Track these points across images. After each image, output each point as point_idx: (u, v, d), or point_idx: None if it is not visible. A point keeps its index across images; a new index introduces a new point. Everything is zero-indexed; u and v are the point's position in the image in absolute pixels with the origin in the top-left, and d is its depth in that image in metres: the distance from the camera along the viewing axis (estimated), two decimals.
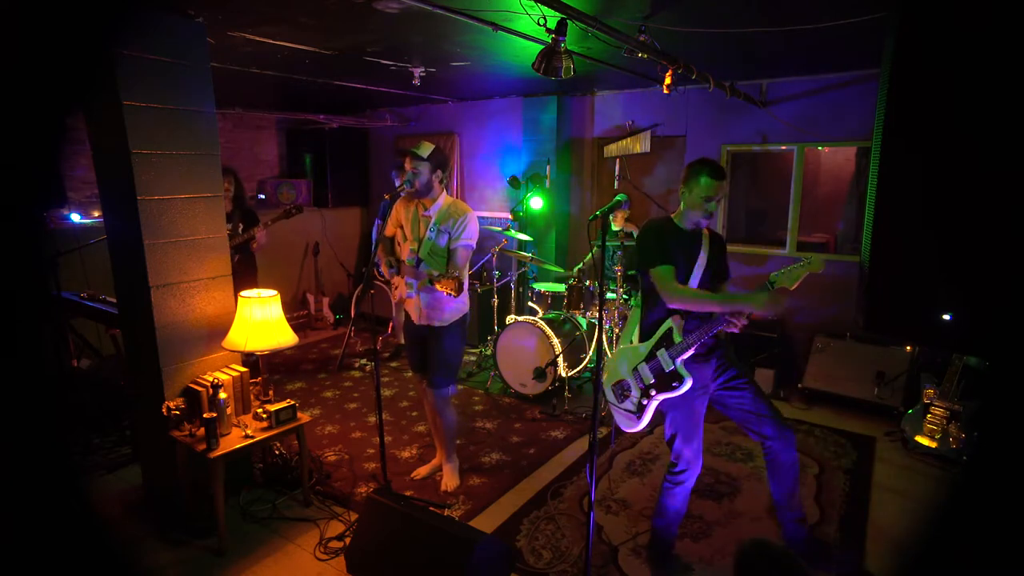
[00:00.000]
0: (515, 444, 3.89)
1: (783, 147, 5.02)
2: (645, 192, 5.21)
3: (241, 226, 4.60)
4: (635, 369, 2.52)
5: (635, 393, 2.52)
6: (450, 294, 2.62)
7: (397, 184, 5.34)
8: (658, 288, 2.40)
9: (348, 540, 2.75)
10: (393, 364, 5.46)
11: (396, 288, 3.08)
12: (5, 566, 1.03)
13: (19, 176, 1.08)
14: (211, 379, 2.89)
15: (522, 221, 5.95)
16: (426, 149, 2.94)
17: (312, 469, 3.36)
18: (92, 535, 1.27)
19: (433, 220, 2.97)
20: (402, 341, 5.91)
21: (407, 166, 2.94)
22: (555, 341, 4.34)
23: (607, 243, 4.52)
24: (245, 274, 4.39)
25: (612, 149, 5.57)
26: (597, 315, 4.53)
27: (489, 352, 5.17)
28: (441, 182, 3.01)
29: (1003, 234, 1.19)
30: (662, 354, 2.43)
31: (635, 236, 4.83)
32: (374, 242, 3.12)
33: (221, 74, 3.91)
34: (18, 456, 1.11)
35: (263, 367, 3.21)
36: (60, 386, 3.77)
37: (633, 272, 4.82)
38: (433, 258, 2.98)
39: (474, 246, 3.00)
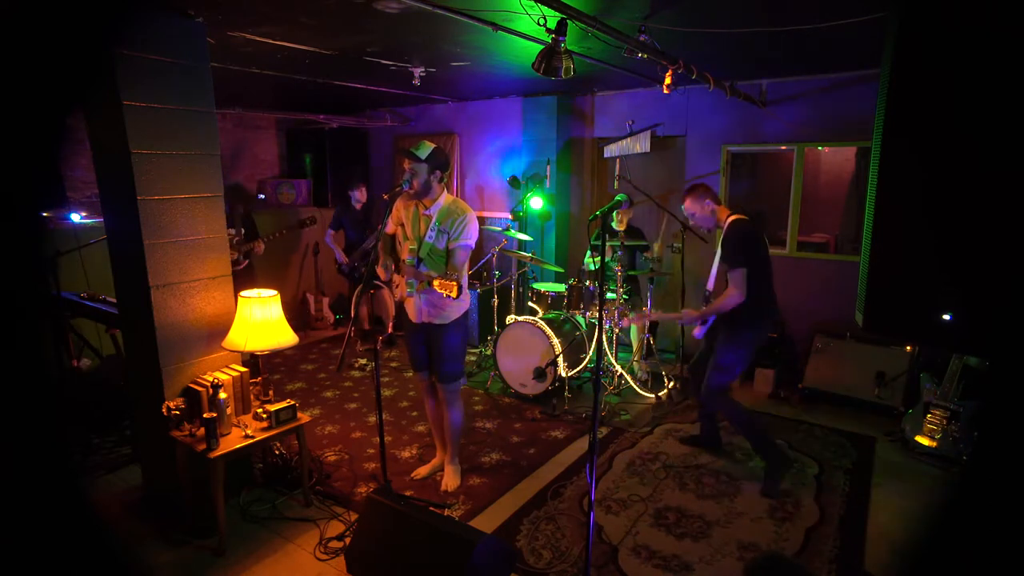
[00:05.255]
0: (515, 444, 3.89)
1: (783, 147, 5.02)
2: (645, 192, 5.20)
3: (243, 231, 4.65)
4: None
5: None
6: (450, 296, 2.62)
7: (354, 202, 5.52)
8: None
9: (348, 540, 2.75)
10: (394, 364, 5.46)
11: (396, 287, 3.08)
12: (5, 566, 1.03)
13: (19, 176, 1.08)
14: (211, 379, 2.89)
15: (522, 221, 5.95)
16: (425, 150, 2.90)
17: (312, 469, 3.36)
18: (92, 535, 1.27)
19: (434, 220, 2.96)
20: (390, 329, 5.94)
21: (405, 166, 2.93)
22: (555, 341, 4.33)
23: (607, 243, 4.52)
24: (253, 277, 4.56)
25: (612, 149, 5.57)
26: (597, 315, 4.53)
27: (489, 352, 5.17)
28: (441, 182, 2.99)
29: (1003, 234, 1.19)
30: None
31: (632, 233, 4.84)
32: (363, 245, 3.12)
33: (221, 74, 3.91)
34: (18, 456, 1.11)
35: (263, 367, 3.21)
36: (60, 386, 3.77)
37: (633, 272, 4.82)
38: (432, 259, 2.97)
39: (473, 246, 2.99)
